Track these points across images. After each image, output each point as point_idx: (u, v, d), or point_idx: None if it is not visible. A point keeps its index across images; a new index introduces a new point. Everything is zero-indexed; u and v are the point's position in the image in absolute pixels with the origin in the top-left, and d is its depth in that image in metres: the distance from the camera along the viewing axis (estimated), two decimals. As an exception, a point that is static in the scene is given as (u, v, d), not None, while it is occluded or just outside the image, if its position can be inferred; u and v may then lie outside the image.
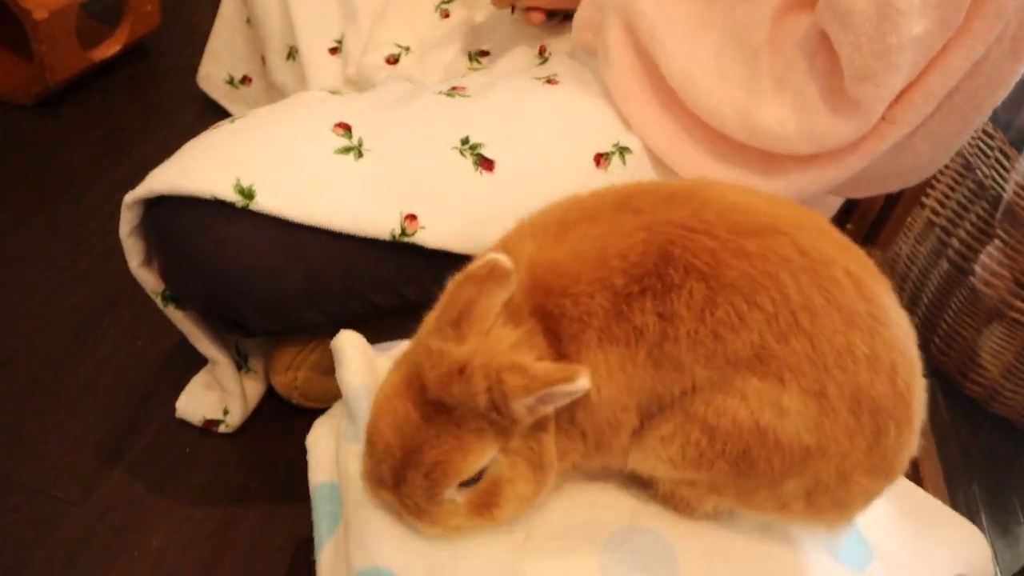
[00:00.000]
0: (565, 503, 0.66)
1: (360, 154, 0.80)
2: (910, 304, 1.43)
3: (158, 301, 0.89)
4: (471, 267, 0.57)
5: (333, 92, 0.92)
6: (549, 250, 0.60)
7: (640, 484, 0.68)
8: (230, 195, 0.75)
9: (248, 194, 0.75)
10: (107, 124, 1.56)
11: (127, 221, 0.82)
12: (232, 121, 0.84)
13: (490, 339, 0.55)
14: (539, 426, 0.57)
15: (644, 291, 0.56)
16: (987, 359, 1.30)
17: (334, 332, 0.73)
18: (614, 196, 0.63)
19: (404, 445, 0.56)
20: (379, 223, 0.79)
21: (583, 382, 0.51)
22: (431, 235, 0.80)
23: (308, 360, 0.98)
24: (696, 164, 0.87)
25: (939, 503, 0.81)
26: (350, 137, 0.81)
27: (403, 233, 0.79)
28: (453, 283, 0.58)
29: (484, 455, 0.56)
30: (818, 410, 0.56)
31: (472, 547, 0.62)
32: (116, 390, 1.07)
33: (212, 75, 1.58)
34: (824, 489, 0.59)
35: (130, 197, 0.79)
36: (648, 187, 0.64)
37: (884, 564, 0.68)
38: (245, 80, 1.54)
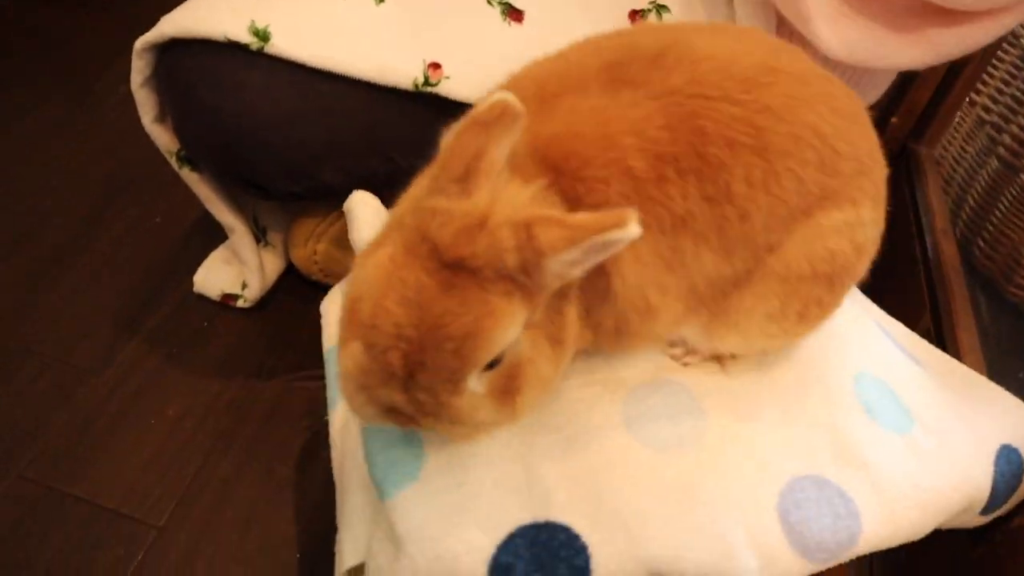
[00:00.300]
0: (583, 364, 0.63)
1: (381, -1, 0.76)
2: (954, 206, 1.37)
3: (173, 162, 0.86)
4: (476, 111, 0.47)
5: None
6: (543, 125, 0.52)
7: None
8: (244, 36, 0.71)
9: (263, 36, 0.71)
10: (115, 9, 1.51)
11: (139, 71, 0.78)
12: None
13: (506, 193, 0.47)
14: (562, 295, 0.51)
15: (683, 174, 0.51)
16: (1033, 263, 1.25)
17: (355, 200, 0.69)
18: (595, 64, 0.56)
19: (421, 321, 0.46)
20: (401, 70, 0.74)
21: (634, 228, 0.43)
22: (456, 85, 0.76)
23: (328, 233, 0.95)
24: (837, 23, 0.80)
25: (983, 378, 0.77)
26: (371, -19, 0.76)
27: (426, 82, 0.75)
28: (453, 133, 0.49)
29: (516, 321, 0.47)
30: (878, 210, 0.59)
31: None
32: (134, 264, 1.05)
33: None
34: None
35: (141, 43, 0.76)
36: (620, 47, 0.58)
37: (925, 431, 0.65)
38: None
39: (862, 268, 0.60)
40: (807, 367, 0.65)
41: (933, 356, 0.78)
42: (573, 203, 0.51)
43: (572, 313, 0.52)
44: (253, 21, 0.72)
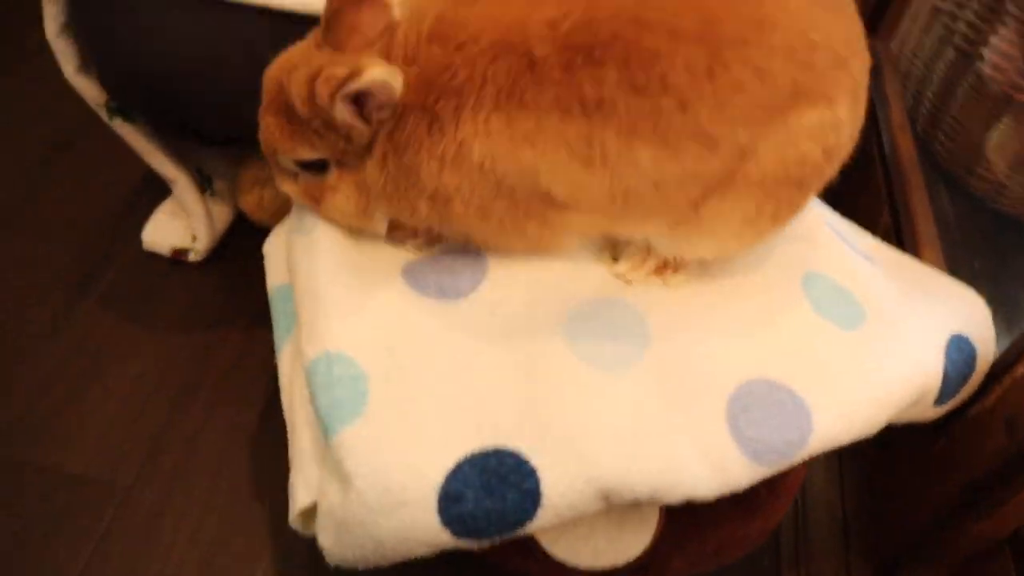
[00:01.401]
0: (529, 276, 0.62)
1: None
2: (914, 101, 1.36)
3: (103, 114, 0.83)
4: None
5: None
6: (461, 7, 0.54)
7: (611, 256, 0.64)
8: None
9: None
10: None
11: (52, 17, 0.75)
12: None
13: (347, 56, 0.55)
14: (369, 154, 0.58)
15: (599, 62, 0.51)
16: (993, 153, 1.24)
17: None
18: None
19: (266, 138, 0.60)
20: None
21: (375, 73, 0.51)
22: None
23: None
24: None
25: (936, 271, 0.77)
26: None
27: (352, 10, 0.72)
28: None
29: (308, 146, 0.58)
30: (856, 107, 0.57)
31: (428, 324, 0.59)
32: (82, 225, 1.03)
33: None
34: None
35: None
36: None
37: (878, 323, 0.64)
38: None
39: (832, 170, 0.59)
40: (753, 271, 0.64)
41: (885, 253, 0.78)
42: (443, 74, 0.54)
43: (375, 170, 0.58)
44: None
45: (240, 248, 1.02)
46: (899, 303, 0.68)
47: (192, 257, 0.98)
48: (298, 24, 0.72)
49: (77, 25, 0.75)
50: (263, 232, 1.00)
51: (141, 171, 1.04)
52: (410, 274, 0.62)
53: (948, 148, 1.29)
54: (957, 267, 0.96)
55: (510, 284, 0.61)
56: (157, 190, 0.99)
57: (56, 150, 1.11)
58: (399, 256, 0.64)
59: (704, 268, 0.63)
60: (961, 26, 1.25)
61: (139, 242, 0.99)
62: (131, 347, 0.91)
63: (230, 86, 0.73)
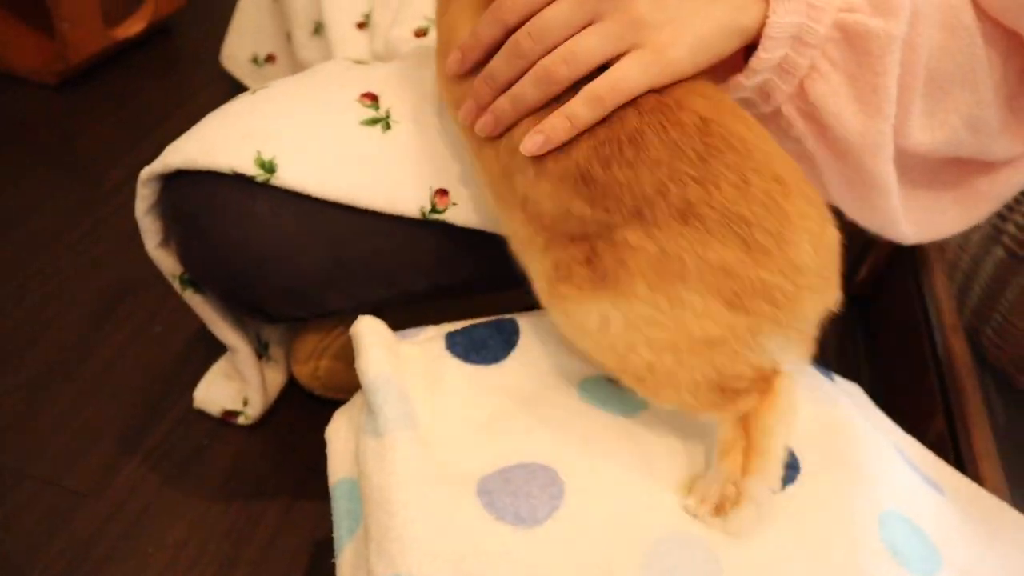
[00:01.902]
0: (605, 504, 0.61)
1: (388, 126, 0.75)
2: (960, 294, 1.36)
3: (176, 285, 0.84)
4: None
5: (358, 61, 0.87)
6: None
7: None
8: (251, 169, 0.71)
9: (269, 168, 0.71)
10: (130, 104, 1.53)
11: (144, 198, 0.77)
12: (252, 92, 0.80)
13: None
14: None
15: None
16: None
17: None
18: None
19: None
20: (408, 199, 0.74)
21: None
22: (463, 212, 0.75)
23: (331, 348, 0.93)
24: None
25: (1004, 504, 0.75)
26: (377, 108, 0.76)
27: (433, 210, 0.74)
28: None
29: None
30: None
31: (502, 553, 0.57)
32: (133, 378, 1.03)
33: (236, 54, 1.53)
34: None
35: (146, 172, 0.75)
36: None
37: (953, 571, 0.62)
38: (270, 59, 1.50)
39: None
40: (831, 513, 0.63)
41: (954, 480, 0.76)
42: None
43: None
44: (259, 152, 0.71)
45: (287, 415, 1.01)
46: (975, 545, 0.66)
47: (242, 421, 0.97)
48: (383, 220, 0.74)
49: (164, 208, 0.77)
50: (311, 396, 1.01)
51: (196, 324, 1.05)
52: (486, 493, 0.60)
53: (997, 344, 1.29)
54: (1012, 474, 0.94)
55: (587, 514, 0.60)
56: (211, 345, 1.00)
57: (116, 297, 1.12)
58: (475, 467, 0.63)
59: (771, 507, 0.62)
60: (1010, 227, 1.26)
61: (190, 399, 0.99)
62: (172, 512, 0.90)
63: (308, 276, 0.74)
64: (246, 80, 1.54)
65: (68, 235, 1.21)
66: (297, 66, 1.36)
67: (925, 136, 0.70)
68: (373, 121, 0.75)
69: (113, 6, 1.57)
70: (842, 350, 1.26)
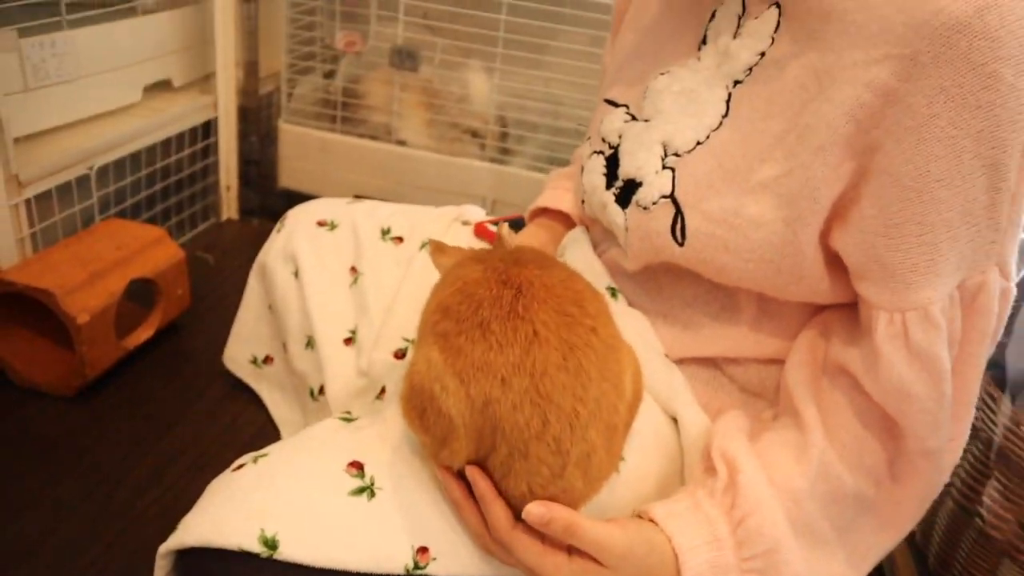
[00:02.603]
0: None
1: (372, 493, 0.87)
2: (922, 542, 1.44)
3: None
4: None
5: (345, 418, 1.00)
6: None
7: None
8: (255, 547, 0.82)
9: (272, 544, 0.82)
10: (142, 409, 1.66)
11: (161, 568, 0.88)
12: (255, 460, 0.92)
13: None
14: None
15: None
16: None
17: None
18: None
19: None
20: (392, 559, 0.84)
21: None
22: (442, 566, 0.85)
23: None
24: None
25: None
26: (363, 476, 0.88)
27: (416, 567, 0.85)
28: None
29: None
30: None
31: None
32: None
33: (237, 356, 1.69)
34: None
35: (164, 548, 0.86)
36: None
37: None
38: (267, 360, 1.65)
39: None
40: None
41: None
42: None
43: None
44: (263, 530, 0.82)
45: None
46: None
47: None
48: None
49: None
50: None
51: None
52: None
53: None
54: None
55: None
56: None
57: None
58: None
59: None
60: (957, 481, 1.36)
61: None
62: None
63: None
64: (247, 380, 1.69)
65: (84, 555, 1.31)
66: (292, 371, 1.51)
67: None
68: (359, 491, 0.87)
69: (125, 318, 1.75)
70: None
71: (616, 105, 1.07)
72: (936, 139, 0.75)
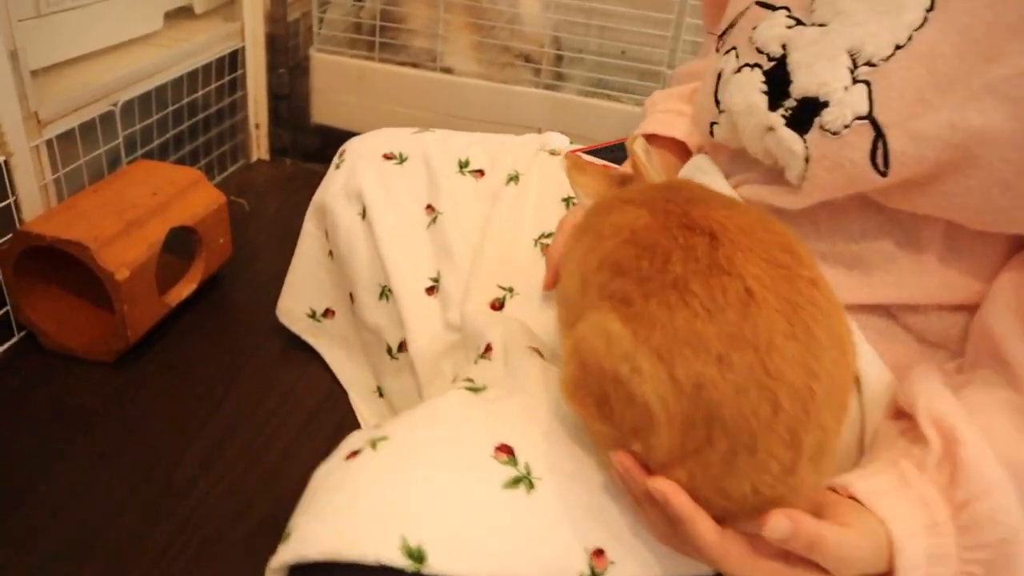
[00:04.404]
0: None
1: (531, 484, 0.71)
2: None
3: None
4: None
5: (471, 387, 0.83)
6: None
7: None
8: (398, 559, 0.65)
9: (418, 556, 0.65)
10: (191, 373, 1.50)
11: (272, 583, 0.72)
12: (374, 446, 0.75)
13: None
14: None
15: None
16: None
17: None
18: None
19: None
20: (564, 566, 0.68)
21: None
22: (623, 571, 0.69)
23: None
24: None
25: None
26: (515, 464, 0.72)
27: (592, 574, 0.69)
28: None
29: None
30: None
31: None
32: None
33: (292, 309, 1.52)
34: None
35: (276, 562, 0.69)
36: None
37: None
38: (328, 313, 1.48)
39: None
40: None
41: None
42: None
43: None
44: (404, 538, 0.66)
45: None
46: None
47: None
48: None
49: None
50: None
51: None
52: None
53: None
54: None
55: None
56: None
57: None
58: None
59: None
60: None
61: None
62: None
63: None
64: (305, 335, 1.52)
65: (151, 543, 1.15)
66: (362, 325, 1.34)
67: None
68: (515, 481, 0.70)
69: (163, 271, 1.57)
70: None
71: (773, 8, 0.87)
72: None
